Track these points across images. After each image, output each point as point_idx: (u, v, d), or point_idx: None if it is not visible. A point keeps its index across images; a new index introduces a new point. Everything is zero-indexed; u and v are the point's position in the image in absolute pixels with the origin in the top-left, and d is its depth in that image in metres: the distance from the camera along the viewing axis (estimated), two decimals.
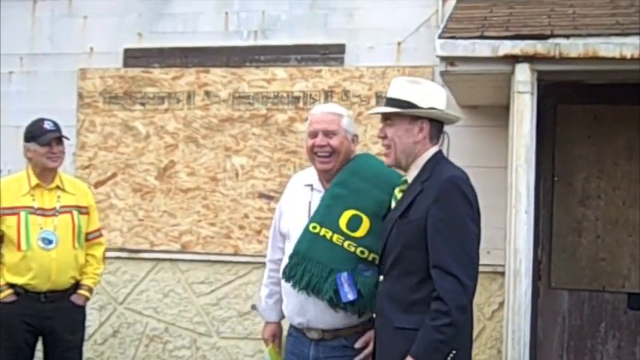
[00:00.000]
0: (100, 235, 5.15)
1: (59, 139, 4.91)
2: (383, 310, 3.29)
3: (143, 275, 6.64)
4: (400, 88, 3.33)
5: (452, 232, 3.08)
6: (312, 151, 3.68)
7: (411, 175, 3.33)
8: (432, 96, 3.32)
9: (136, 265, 6.65)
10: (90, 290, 4.98)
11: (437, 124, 3.37)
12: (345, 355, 3.61)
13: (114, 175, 6.70)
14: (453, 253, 3.05)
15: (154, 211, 6.60)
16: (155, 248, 6.59)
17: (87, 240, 4.99)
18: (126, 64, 6.71)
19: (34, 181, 4.85)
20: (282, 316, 3.96)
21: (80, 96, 6.77)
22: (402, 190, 3.35)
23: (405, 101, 3.29)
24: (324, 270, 3.53)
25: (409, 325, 3.12)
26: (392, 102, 3.32)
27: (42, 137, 4.84)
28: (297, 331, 3.74)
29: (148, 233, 6.61)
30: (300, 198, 3.77)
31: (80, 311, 4.96)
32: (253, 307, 4.16)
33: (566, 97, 5.49)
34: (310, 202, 3.71)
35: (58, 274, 4.76)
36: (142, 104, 6.65)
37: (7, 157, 6.65)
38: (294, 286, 3.60)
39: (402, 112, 3.29)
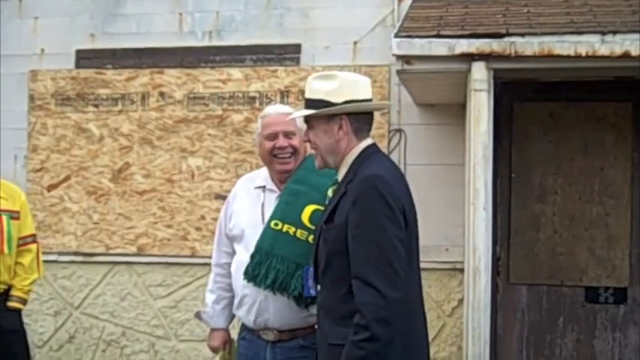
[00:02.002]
0: (33, 242, 5.03)
1: None
2: (320, 324, 3.06)
3: (99, 279, 6.55)
4: (312, 87, 3.06)
5: (369, 238, 2.79)
6: (272, 153, 3.65)
7: (340, 174, 3.09)
8: (346, 88, 3.02)
9: (91, 269, 6.56)
10: (21, 301, 4.86)
11: (361, 117, 3.07)
12: (304, 356, 3.56)
13: (67, 178, 6.60)
14: (371, 261, 2.77)
15: (109, 213, 6.51)
16: (111, 251, 6.51)
17: (18, 246, 4.88)
18: (78, 66, 6.61)
19: None
20: (230, 322, 3.94)
21: (31, 98, 6.66)
22: (333, 191, 3.13)
23: (318, 100, 3.02)
24: (290, 266, 3.50)
25: (340, 341, 2.84)
26: (308, 103, 3.07)
27: None
28: (250, 334, 3.71)
29: (103, 236, 6.52)
30: (252, 200, 3.74)
31: (14, 317, 4.86)
32: (197, 315, 4.07)
33: (522, 95, 5.55)
34: (263, 204, 3.69)
35: None
36: (95, 106, 6.56)
37: None
38: (259, 284, 3.54)
39: (314, 114, 3.04)
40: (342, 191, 2.96)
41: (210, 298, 3.95)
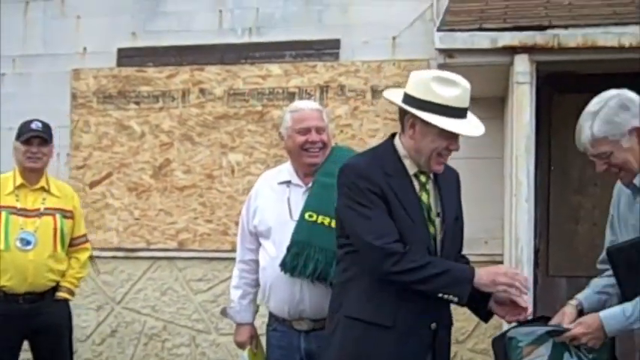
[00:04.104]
0: (86, 241, 5.10)
1: (43, 140, 4.82)
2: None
3: (140, 274, 6.64)
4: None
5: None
6: (303, 147, 3.73)
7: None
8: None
9: (132, 265, 6.65)
10: (69, 292, 4.90)
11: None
12: None
13: (109, 175, 6.69)
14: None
15: (150, 209, 6.60)
16: (152, 247, 6.59)
17: (72, 245, 4.94)
18: (119, 64, 6.71)
19: (19, 180, 4.81)
20: (255, 317, 4.02)
21: (74, 96, 6.76)
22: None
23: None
24: (328, 255, 3.56)
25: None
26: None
27: (23, 135, 4.80)
28: (282, 325, 3.78)
29: (144, 232, 6.61)
30: (277, 196, 3.81)
31: (63, 312, 4.90)
32: (223, 311, 4.12)
33: (563, 87, 5.56)
34: (289, 198, 3.77)
35: (35, 275, 4.69)
36: (137, 103, 6.65)
37: (2, 159, 6.63)
38: (299, 275, 3.63)
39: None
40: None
41: (236, 293, 4.01)
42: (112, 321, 6.68)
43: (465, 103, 3.08)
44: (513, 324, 3.17)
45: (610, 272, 3.22)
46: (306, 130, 3.72)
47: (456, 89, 3.06)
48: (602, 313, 2.94)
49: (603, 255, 3.28)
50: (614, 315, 2.92)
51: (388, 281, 2.99)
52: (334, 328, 3.15)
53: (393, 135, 3.23)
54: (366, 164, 3.10)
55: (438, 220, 3.16)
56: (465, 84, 3.10)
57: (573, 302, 3.21)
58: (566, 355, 3.04)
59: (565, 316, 3.13)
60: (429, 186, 3.18)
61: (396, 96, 3.17)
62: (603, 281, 3.30)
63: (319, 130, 3.74)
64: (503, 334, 3.13)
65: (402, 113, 3.13)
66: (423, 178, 3.17)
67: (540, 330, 3.06)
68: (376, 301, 3.05)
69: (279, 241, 3.72)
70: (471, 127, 3.11)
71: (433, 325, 3.10)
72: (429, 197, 3.16)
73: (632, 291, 2.98)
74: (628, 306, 2.92)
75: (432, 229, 3.13)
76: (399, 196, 3.05)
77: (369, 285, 3.06)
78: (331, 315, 3.20)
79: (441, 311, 3.15)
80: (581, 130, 3.03)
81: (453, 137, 3.06)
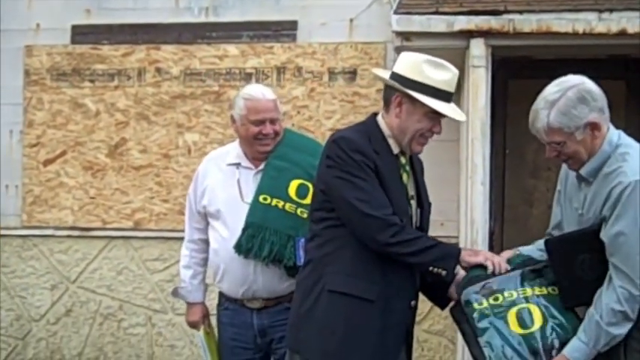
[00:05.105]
0: None
1: None
2: None
3: (95, 253, 6.59)
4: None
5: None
6: (256, 138, 3.74)
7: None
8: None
9: (88, 244, 6.60)
10: None
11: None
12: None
13: (63, 153, 6.62)
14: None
15: (105, 188, 6.55)
16: (107, 226, 6.55)
17: None
18: (74, 41, 6.61)
19: None
20: (205, 296, 4.05)
21: (26, 73, 6.66)
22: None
23: None
24: (282, 237, 3.64)
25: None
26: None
27: None
28: (233, 304, 3.83)
29: (99, 211, 6.56)
30: (226, 177, 3.83)
31: None
32: (174, 291, 4.14)
33: (517, 73, 5.63)
34: (239, 180, 3.79)
35: None
36: (91, 81, 6.57)
37: None
38: (254, 257, 3.66)
39: None
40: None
41: (186, 273, 4.02)
42: (67, 300, 6.64)
43: (452, 88, 3.14)
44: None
45: (547, 234, 3.33)
46: (261, 122, 3.73)
47: (447, 73, 3.12)
48: (566, 351, 2.94)
49: (552, 225, 3.35)
50: (577, 348, 2.93)
51: (378, 253, 3.02)
52: (314, 303, 3.13)
53: (375, 114, 3.25)
54: (358, 138, 3.10)
55: (413, 202, 3.21)
56: (455, 70, 3.17)
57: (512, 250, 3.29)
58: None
59: (504, 255, 3.21)
60: (408, 168, 3.22)
61: (383, 75, 3.23)
62: None
63: (273, 121, 3.75)
64: (458, 302, 3.17)
65: (388, 92, 3.16)
66: (402, 160, 3.20)
67: (488, 283, 3.09)
68: (359, 276, 3.07)
69: (230, 223, 3.75)
70: (455, 111, 3.18)
71: (413, 303, 3.16)
72: (408, 179, 3.21)
73: (564, 281, 3.04)
74: (581, 334, 2.95)
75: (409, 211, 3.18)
76: (385, 174, 3.08)
77: (350, 260, 3.07)
78: (306, 290, 3.17)
79: (417, 291, 3.20)
80: (536, 116, 3.05)
81: (437, 119, 3.12)
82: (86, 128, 6.57)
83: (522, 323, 3.01)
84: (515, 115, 5.71)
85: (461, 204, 5.56)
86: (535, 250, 3.27)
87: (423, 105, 3.05)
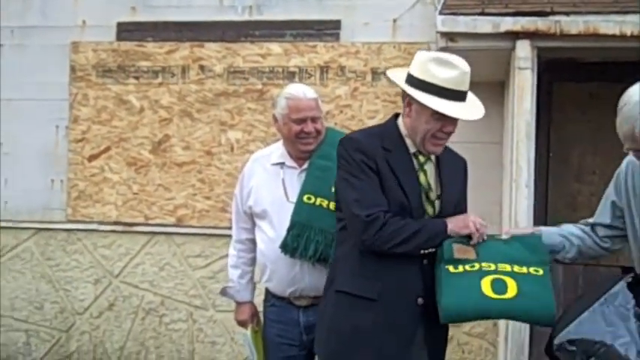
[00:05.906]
0: None
1: None
2: None
3: (138, 249, 6.66)
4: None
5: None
6: (298, 137, 3.75)
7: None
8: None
9: (130, 239, 6.67)
10: None
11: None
12: None
13: (107, 149, 6.69)
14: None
15: (148, 184, 6.61)
16: (150, 222, 6.61)
17: None
18: (119, 38, 6.68)
19: None
20: (254, 295, 4.08)
21: (72, 69, 6.74)
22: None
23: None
24: (327, 236, 3.62)
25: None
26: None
27: None
28: (280, 301, 3.84)
29: (142, 207, 6.62)
30: (270, 177, 3.84)
31: None
32: (223, 291, 4.17)
33: (563, 75, 5.56)
34: (283, 180, 3.80)
35: None
36: (136, 78, 6.64)
37: (2, 129, 6.74)
38: (299, 256, 3.67)
39: None
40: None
41: (235, 273, 4.06)
42: (110, 295, 6.72)
43: (461, 85, 3.07)
44: None
45: (584, 223, 3.35)
46: (302, 120, 3.74)
47: (452, 71, 3.05)
48: None
49: (591, 220, 3.38)
50: None
51: (372, 252, 3.04)
52: (326, 303, 3.23)
53: (397, 115, 3.26)
54: (363, 137, 3.14)
55: (437, 203, 3.17)
56: (464, 66, 3.08)
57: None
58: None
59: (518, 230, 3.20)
60: (428, 167, 3.19)
61: (399, 74, 3.19)
62: (573, 229, 3.37)
63: (315, 120, 3.76)
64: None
65: (403, 92, 3.15)
66: (421, 159, 3.18)
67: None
68: (362, 275, 3.10)
69: (276, 223, 3.77)
70: (465, 110, 3.09)
71: (420, 300, 3.11)
72: (427, 178, 3.17)
73: None
74: None
75: (430, 210, 3.15)
76: (396, 171, 3.08)
77: (357, 260, 3.11)
78: (325, 290, 3.27)
79: (426, 287, 3.12)
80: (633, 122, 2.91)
81: (447, 119, 3.06)
82: (130, 124, 6.64)
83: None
84: (560, 119, 5.65)
85: (504, 207, 5.52)
86: (556, 234, 3.27)
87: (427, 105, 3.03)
